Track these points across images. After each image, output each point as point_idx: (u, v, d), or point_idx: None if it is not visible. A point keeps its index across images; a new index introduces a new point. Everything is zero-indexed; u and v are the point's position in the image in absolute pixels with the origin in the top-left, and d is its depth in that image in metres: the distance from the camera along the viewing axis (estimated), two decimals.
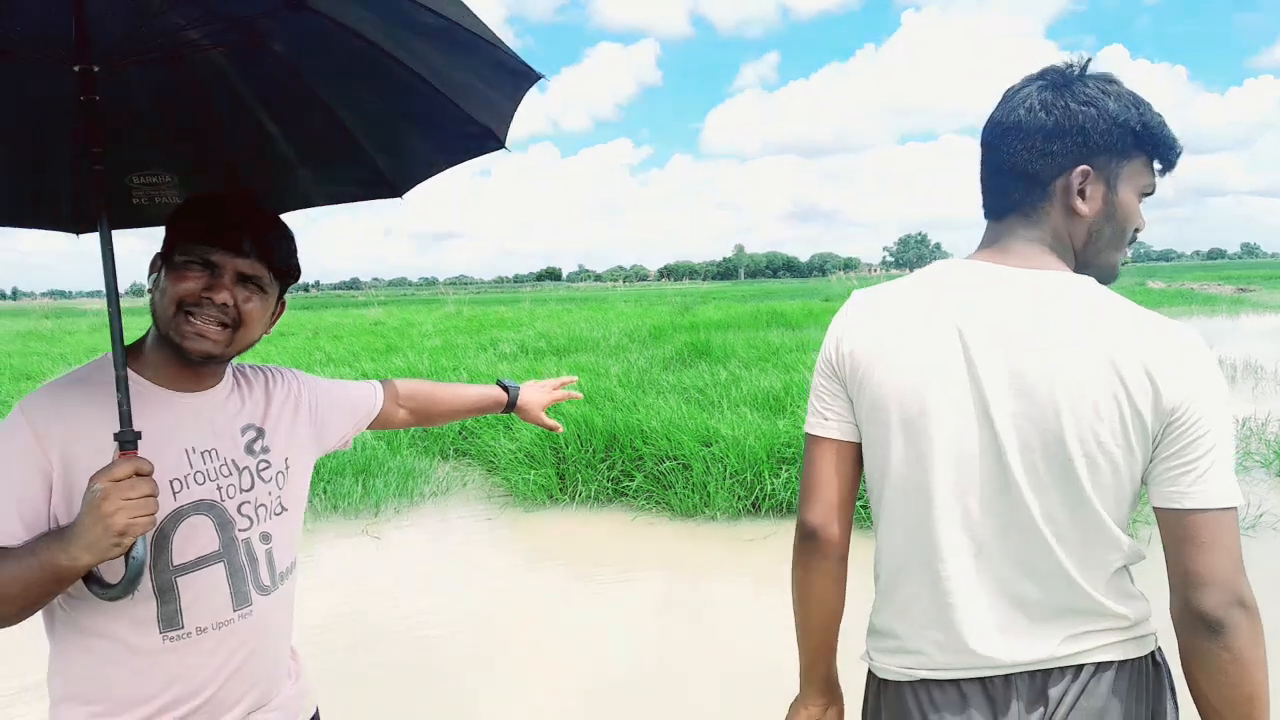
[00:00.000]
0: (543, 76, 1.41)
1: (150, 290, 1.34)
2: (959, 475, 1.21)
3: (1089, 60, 1.23)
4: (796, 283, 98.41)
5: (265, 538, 1.42)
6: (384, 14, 1.25)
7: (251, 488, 1.41)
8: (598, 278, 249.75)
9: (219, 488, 1.36)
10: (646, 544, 5.63)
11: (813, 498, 1.33)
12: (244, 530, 1.39)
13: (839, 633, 1.41)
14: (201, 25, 1.29)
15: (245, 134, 1.52)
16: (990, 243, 1.28)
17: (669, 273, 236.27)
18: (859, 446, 1.33)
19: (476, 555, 5.62)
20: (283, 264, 1.40)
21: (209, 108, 1.47)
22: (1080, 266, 1.28)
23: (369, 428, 1.79)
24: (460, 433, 7.77)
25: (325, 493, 6.38)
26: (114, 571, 1.20)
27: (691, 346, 11.97)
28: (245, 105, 1.48)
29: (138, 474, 1.14)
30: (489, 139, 1.54)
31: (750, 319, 18.28)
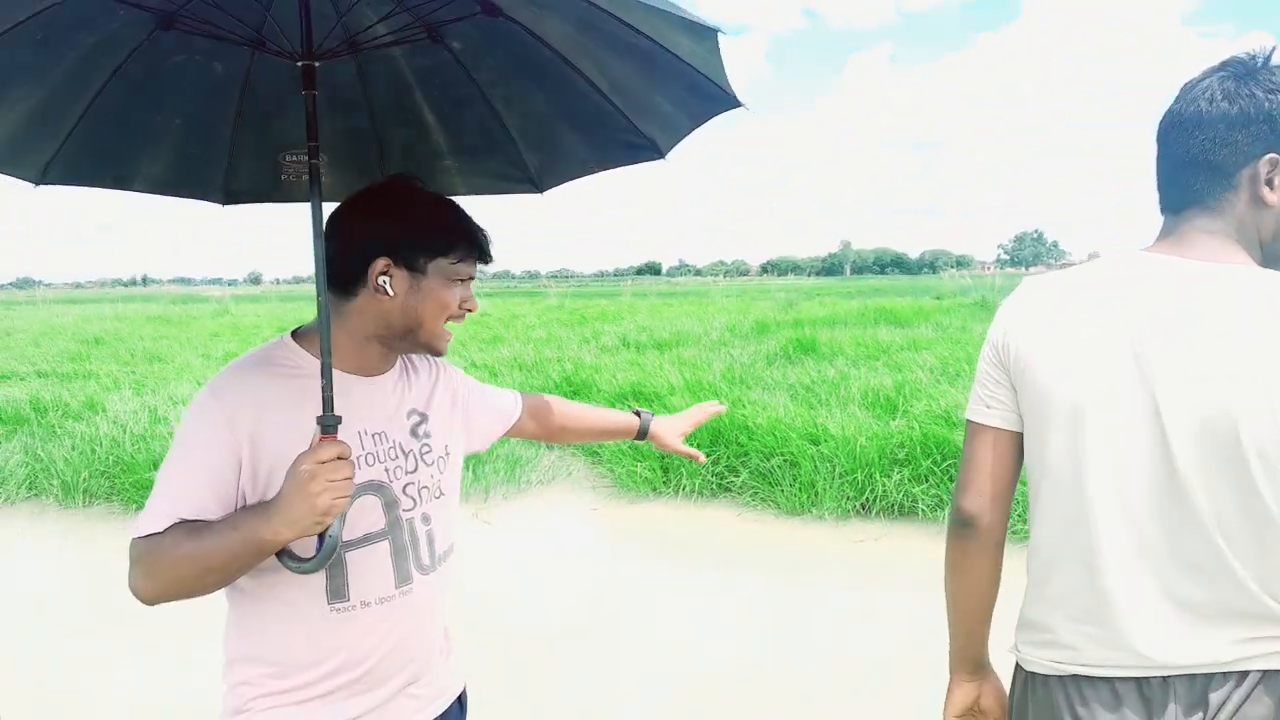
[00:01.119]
0: (743, 105, 1.42)
1: (379, 290, 1.36)
2: (1123, 471, 1.18)
3: (1274, 49, 1.19)
4: (906, 279, 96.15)
5: (426, 519, 1.47)
6: (580, 27, 1.28)
7: (415, 470, 1.46)
8: (698, 272, 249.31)
9: (386, 469, 1.42)
10: (752, 540, 5.56)
11: (971, 485, 1.32)
12: (408, 511, 1.44)
13: (991, 618, 1.41)
14: (390, 21, 1.34)
15: (402, 121, 1.56)
16: (1168, 235, 1.25)
17: (772, 268, 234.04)
18: (1020, 436, 1.31)
19: (581, 545, 5.67)
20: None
21: (370, 93, 1.52)
22: (1268, 260, 1.23)
23: (508, 435, 1.84)
24: None
25: None
26: (303, 546, 1.27)
27: (796, 343, 11.79)
28: (408, 95, 1.53)
29: (339, 457, 1.20)
30: (650, 150, 1.57)
31: (858, 316, 17.90)
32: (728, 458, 6.40)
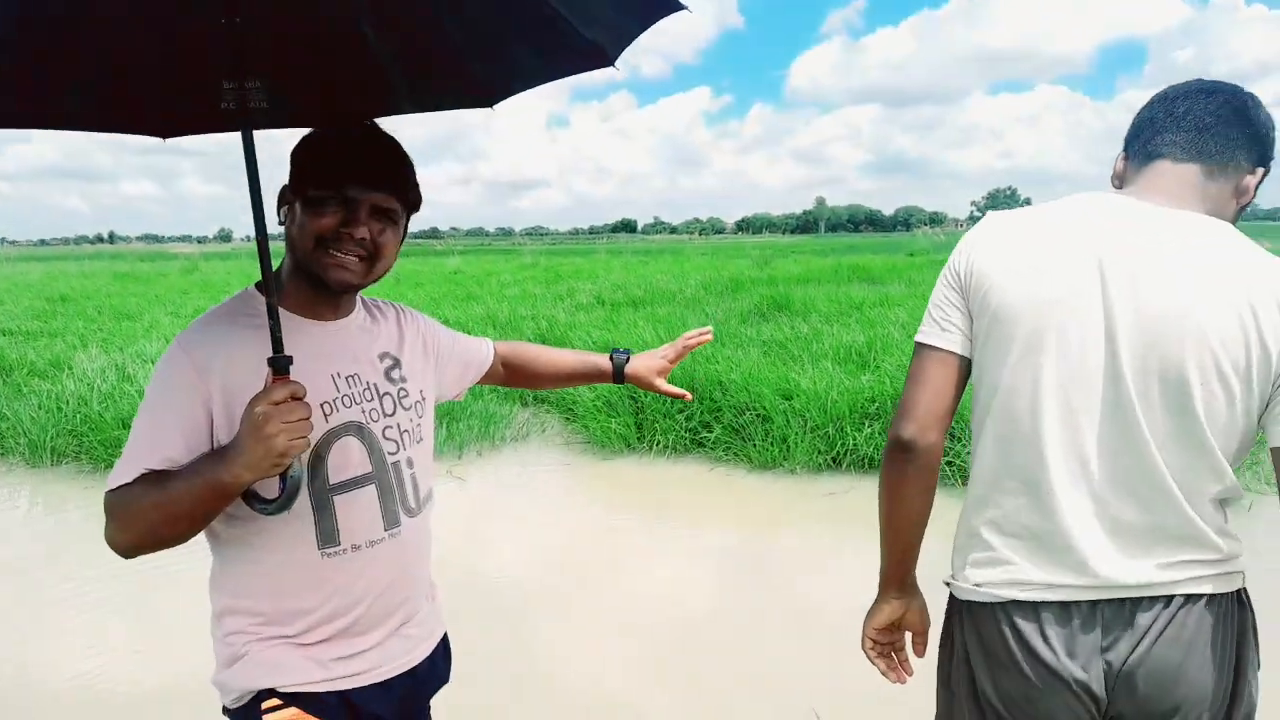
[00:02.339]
0: (685, 8, 1.38)
1: (283, 224, 1.40)
2: (1073, 391, 1.23)
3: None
4: (880, 237, 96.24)
5: (410, 463, 1.49)
6: None
7: (394, 413, 1.48)
8: (673, 230, 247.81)
9: (364, 411, 1.43)
10: (724, 494, 5.63)
11: (917, 405, 1.33)
12: (392, 454, 1.45)
13: (923, 538, 1.43)
14: None
15: (337, 38, 1.47)
16: (1151, 183, 1.31)
17: (746, 225, 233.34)
18: (968, 362, 1.34)
19: (555, 500, 5.70)
20: (413, 195, 1.45)
21: (303, 10, 1.42)
22: None
23: (483, 383, 1.84)
24: None
25: None
26: (269, 488, 1.27)
27: (771, 300, 11.82)
28: (345, 10, 1.43)
29: (293, 397, 1.19)
30: (597, 56, 1.51)
31: (831, 273, 17.95)
32: (701, 413, 6.43)
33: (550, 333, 8.99)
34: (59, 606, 4.03)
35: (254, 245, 1.29)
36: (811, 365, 7.21)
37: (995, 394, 1.29)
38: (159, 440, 1.27)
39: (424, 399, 1.57)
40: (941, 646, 1.44)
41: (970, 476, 1.37)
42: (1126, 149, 1.39)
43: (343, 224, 1.35)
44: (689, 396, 2.02)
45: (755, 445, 6.02)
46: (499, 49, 1.56)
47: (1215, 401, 1.18)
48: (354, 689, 1.42)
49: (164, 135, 1.53)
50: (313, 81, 1.51)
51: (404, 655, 1.50)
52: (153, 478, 1.25)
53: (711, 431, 6.28)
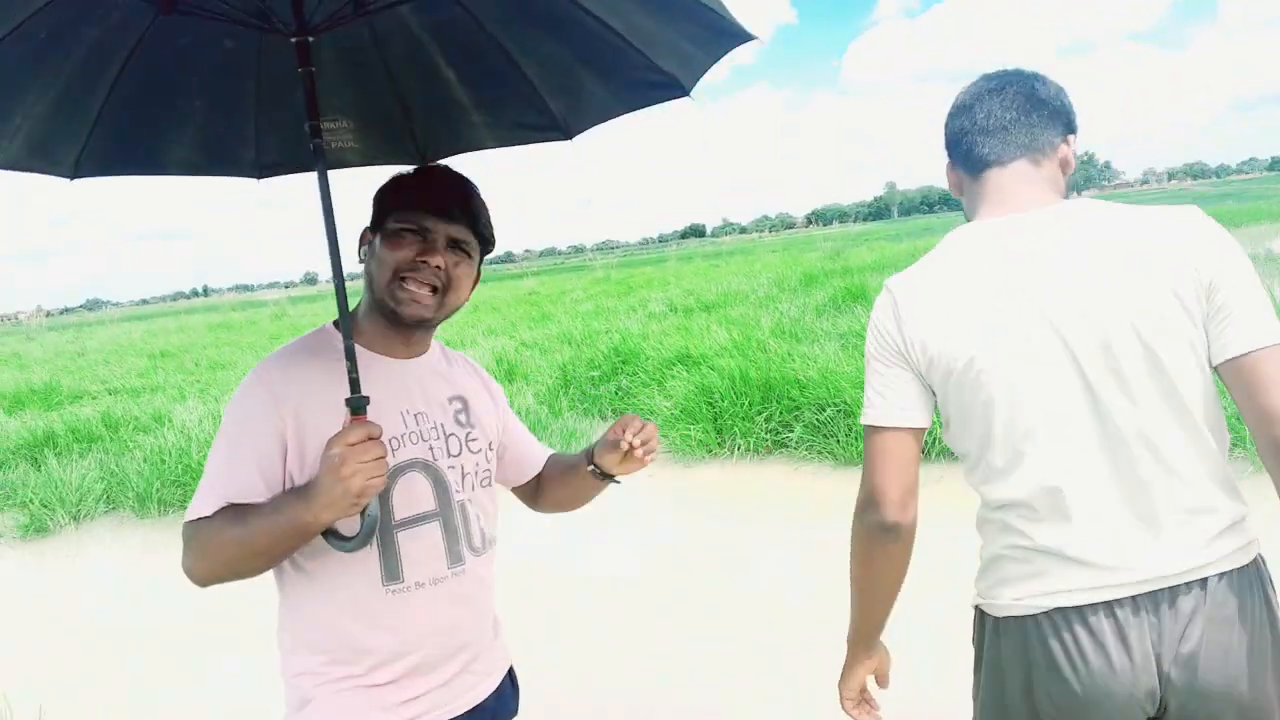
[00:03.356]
0: (755, 38, 1.41)
1: (363, 262, 1.43)
2: (1060, 412, 1.24)
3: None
4: (955, 215, 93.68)
5: (474, 503, 1.49)
6: None
7: (460, 454, 1.48)
8: (743, 230, 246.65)
9: (431, 448, 1.44)
10: (810, 493, 5.51)
11: (890, 488, 1.32)
12: (458, 493, 1.46)
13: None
14: None
15: (421, 79, 1.58)
16: (994, 194, 1.36)
17: (817, 218, 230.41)
18: (924, 429, 1.35)
19: (638, 510, 5.67)
20: (486, 230, 1.48)
21: (386, 54, 1.54)
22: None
23: (514, 490, 1.77)
24: (616, 393, 7.85)
25: None
26: (348, 525, 1.29)
27: (845, 291, 11.60)
28: (423, 51, 1.54)
29: (370, 438, 1.20)
30: (673, 88, 1.56)
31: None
32: (780, 414, 6.33)
33: (624, 345, 8.99)
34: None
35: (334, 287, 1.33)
36: None
37: (989, 439, 1.29)
38: (237, 473, 1.29)
39: (491, 449, 1.56)
40: (977, 670, 1.40)
41: (982, 504, 1.36)
42: (951, 158, 1.43)
43: (419, 254, 1.37)
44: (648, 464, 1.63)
45: (839, 442, 5.89)
46: (576, 85, 1.62)
47: (1179, 354, 1.20)
48: None
49: (258, 176, 1.61)
50: (396, 121, 1.59)
51: (469, 692, 1.49)
52: (232, 511, 1.27)
53: (793, 431, 6.17)
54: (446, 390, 1.52)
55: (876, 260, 17.78)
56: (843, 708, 1.55)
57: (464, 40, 1.51)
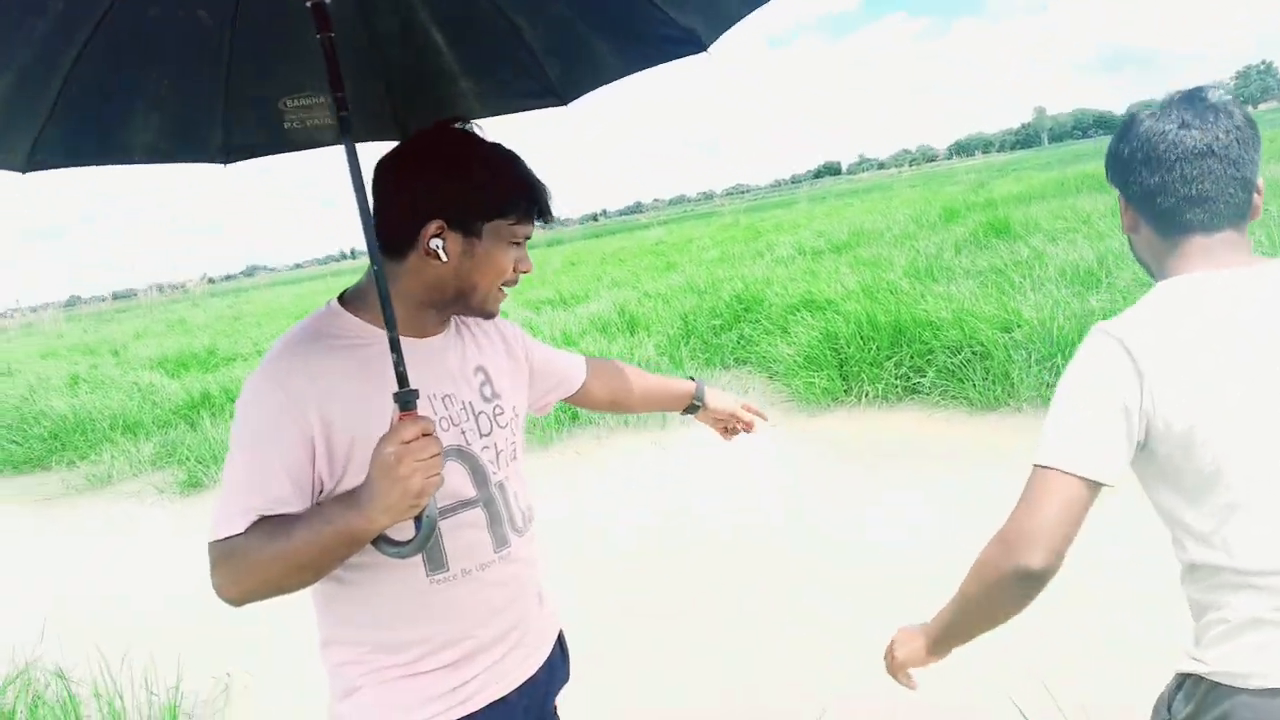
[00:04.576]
0: None
1: (430, 254, 1.27)
2: None
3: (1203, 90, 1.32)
4: (1111, 139, 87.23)
5: (510, 480, 1.42)
6: None
7: (490, 432, 1.40)
8: (880, 165, 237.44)
9: (463, 433, 1.36)
10: (942, 439, 5.23)
11: (1053, 534, 1.20)
12: (494, 474, 1.39)
13: None
14: None
15: (408, 46, 1.43)
16: (1201, 256, 1.28)
17: (960, 149, 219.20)
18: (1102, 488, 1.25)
19: (761, 460, 5.53)
20: None
21: (372, 20, 1.40)
22: None
23: (567, 400, 1.75)
24: (738, 341, 7.67)
25: None
26: (400, 529, 1.20)
27: (987, 226, 10.96)
28: (412, 17, 1.40)
29: (425, 434, 1.12)
30: (687, 43, 1.40)
31: (1055, 187, 16.38)
32: (911, 358, 6.02)
33: (747, 292, 8.76)
34: None
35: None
36: (1034, 291, 6.55)
37: (1235, 505, 1.19)
38: (265, 482, 1.19)
39: (517, 415, 1.49)
40: None
41: (1215, 566, 1.22)
42: (1135, 205, 1.34)
43: (519, 263, 1.33)
44: (765, 417, 2.02)
45: (974, 385, 5.54)
46: (577, 44, 1.48)
47: None
48: (473, 712, 1.35)
49: (225, 161, 1.50)
50: (376, 94, 1.44)
51: (520, 667, 1.43)
52: (267, 525, 1.18)
53: (924, 376, 5.85)
54: (469, 362, 1.43)
55: (1023, 191, 16.68)
56: (889, 670, 1.58)
57: (459, 3, 1.38)
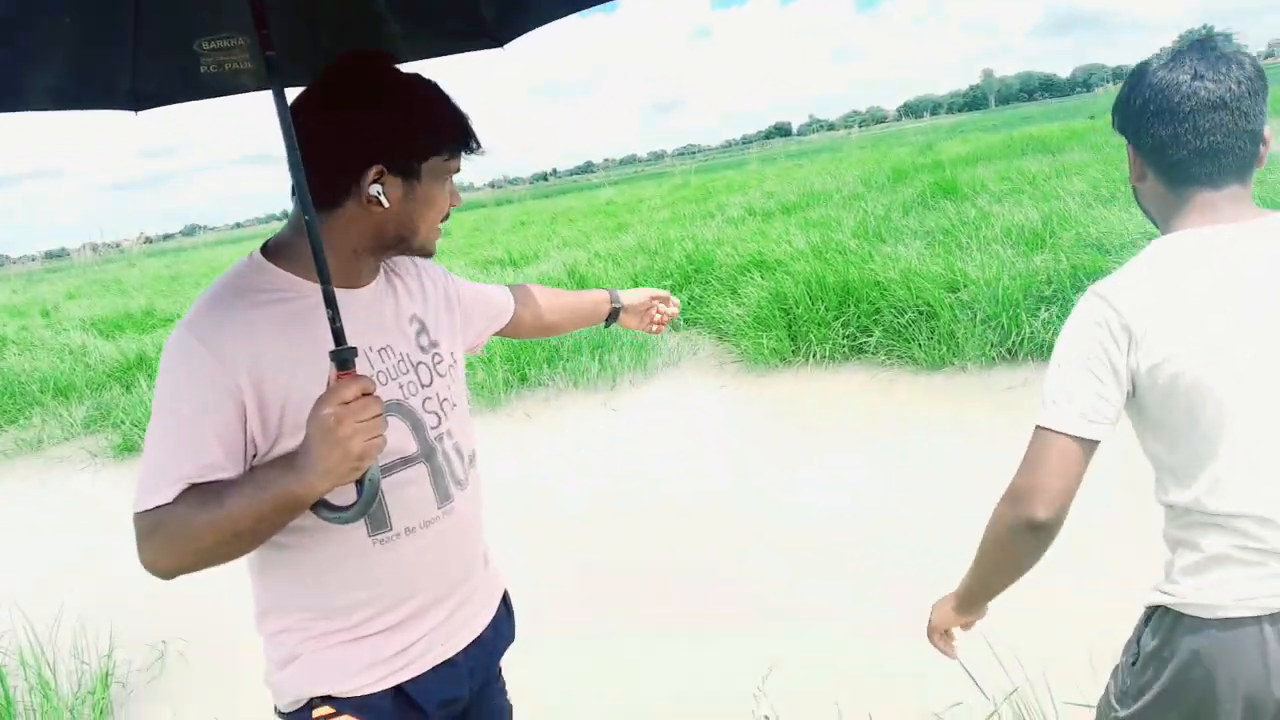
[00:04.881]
0: None
1: (374, 201, 1.20)
2: None
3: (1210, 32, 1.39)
4: (1057, 103, 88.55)
5: (451, 434, 1.37)
6: None
7: (430, 383, 1.35)
8: (830, 127, 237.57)
9: (401, 386, 1.30)
10: (889, 399, 5.29)
11: (1051, 488, 1.28)
12: (435, 428, 1.33)
13: None
14: None
15: None
16: (1206, 210, 1.28)
17: (909, 111, 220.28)
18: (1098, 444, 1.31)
19: (711, 421, 5.55)
20: None
21: None
22: None
23: (499, 333, 1.71)
24: (689, 302, 7.64)
25: (565, 370, 6.54)
26: (340, 492, 1.14)
27: (935, 186, 11.01)
28: None
29: (364, 393, 1.07)
30: None
31: (1002, 149, 16.52)
32: (858, 318, 6.05)
33: (697, 253, 8.72)
34: None
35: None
36: (980, 251, 6.61)
37: (1215, 453, 1.24)
38: (195, 448, 1.12)
39: (455, 361, 1.43)
40: (1144, 666, 1.36)
41: (1187, 507, 1.29)
42: (1143, 154, 1.33)
43: (452, 195, 1.29)
44: (659, 331, 1.98)
45: (920, 345, 5.59)
46: None
47: None
48: (419, 675, 1.31)
49: (137, 108, 1.39)
50: (299, 36, 1.33)
51: (466, 626, 1.40)
52: (197, 493, 1.11)
53: (871, 336, 5.88)
54: (404, 311, 1.36)
55: (970, 152, 16.80)
56: (928, 636, 1.63)
57: None
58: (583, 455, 5.29)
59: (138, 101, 1.37)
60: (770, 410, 5.62)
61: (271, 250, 1.25)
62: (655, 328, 1.93)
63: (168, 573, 1.16)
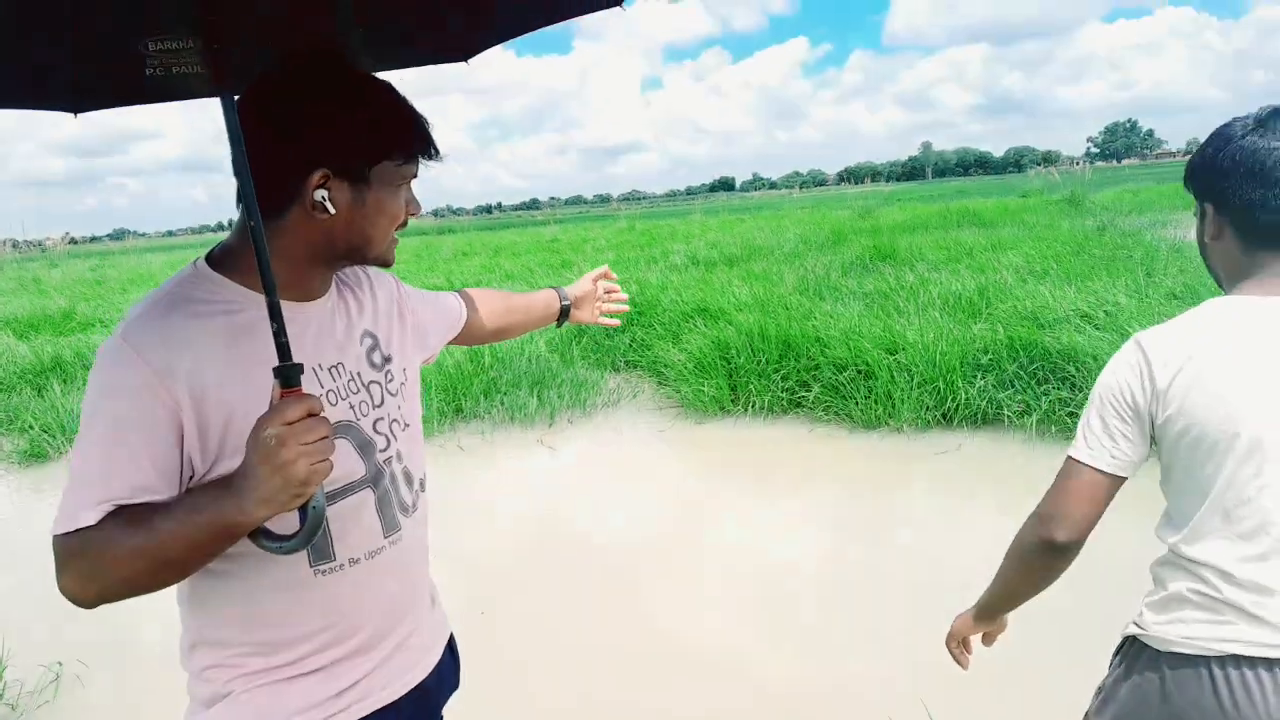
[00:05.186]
0: None
1: (319, 208, 1.12)
2: None
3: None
4: (990, 180, 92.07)
5: (400, 457, 1.29)
6: None
7: (382, 404, 1.27)
8: (773, 185, 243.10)
9: (351, 406, 1.23)
10: (824, 456, 5.33)
11: (1069, 519, 1.38)
12: (383, 450, 1.26)
13: None
14: None
15: None
16: (1274, 277, 1.33)
17: (849, 176, 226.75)
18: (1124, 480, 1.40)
19: (648, 466, 5.51)
20: None
21: None
22: None
23: (453, 342, 1.64)
24: (630, 344, 7.65)
25: (503, 404, 6.45)
26: (282, 520, 1.05)
27: (874, 250, 11.30)
28: None
29: (311, 414, 0.98)
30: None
31: (939, 219, 17.09)
32: (798, 372, 6.12)
33: (641, 295, 8.75)
34: None
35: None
36: (918, 316, 6.77)
37: (1217, 511, 1.30)
38: (124, 467, 1.03)
39: (408, 378, 1.36)
40: (1115, 685, 1.45)
41: (1170, 548, 1.38)
42: (1223, 213, 1.36)
43: (410, 203, 1.21)
44: (617, 323, 2.00)
45: (857, 403, 5.67)
46: None
47: None
48: None
49: (75, 110, 1.30)
50: (252, 43, 1.23)
51: (409, 671, 1.31)
52: (124, 516, 1.02)
53: (810, 391, 5.95)
54: (355, 327, 1.28)
55: (908, 220, 17.34)
56: (946, 643, 1.71)
57: None
58: (516, 491, 5.21)
59: (76, 103, 1.29)
60: (707, 458, 5.62)
61: (217, 259, 1.17)
62: (608, 320, 1.94)
63: (90, 601, 1.05)
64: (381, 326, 1.33)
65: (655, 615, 3.48)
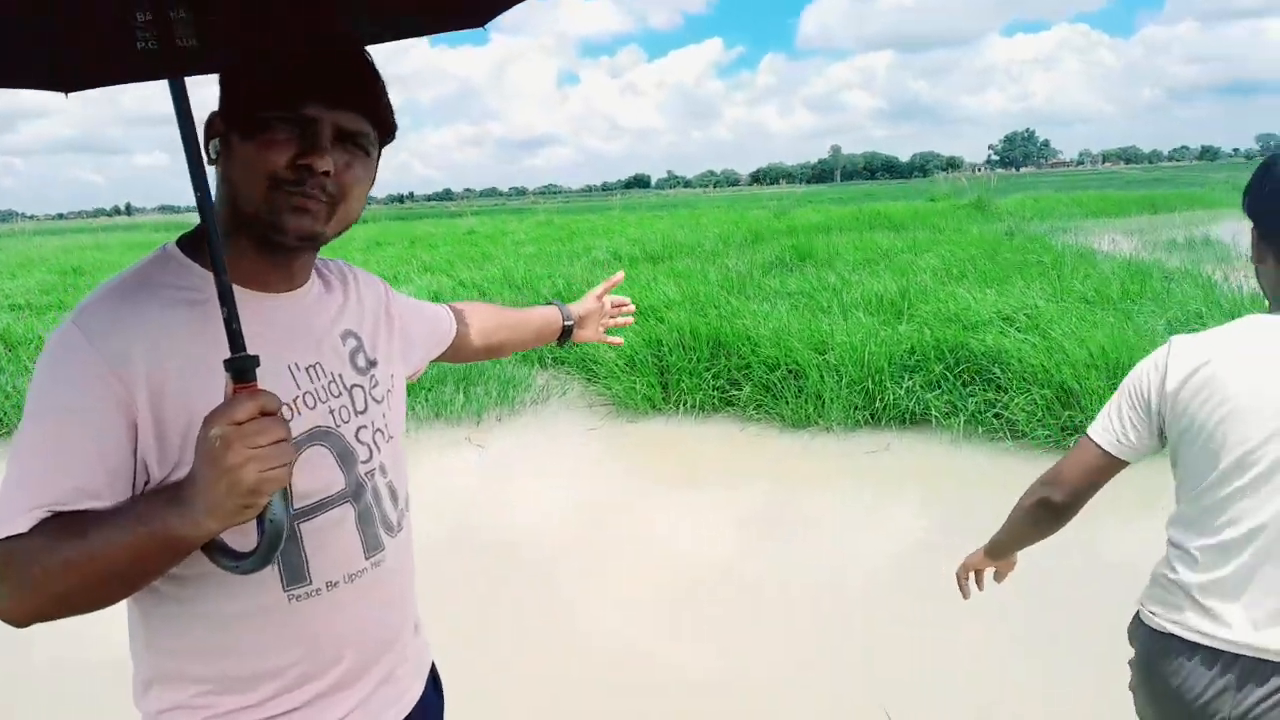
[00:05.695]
0: None
1: (213, 162, 1.02)
2: None
3: None
4: (897, 184, 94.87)
5: (384, 470, 1.17)
6: None
7: (365, 410, 1.15)
8: (687, 184, 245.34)
9: (331, 411, 1.10)
10: (755, 454, 5.36)
11: (1076, 490, 1.55)
12: (366, 462, 1.13)
13: None
14: None
15: None
16: None
17: (761, 177, 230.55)
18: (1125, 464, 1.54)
19: (577, 464, 5.45)
20: (386, 116, 1.08)
21: None
22: None
23: (440, 359, 1.53)
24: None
25: (428, 400, 6.29)
26: (243, 534, 0.94)
27: (793, 250, 11.50)
28: None
29: (265, 412, 0.86)
30: None
31: (852, 221, 17.51)
32: (729, 371, 6.15)
33: (568, 290, 8.69)
34: None
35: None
36: (843, 317, 6.89)
37: (1214, 509, 1.39)
38: (65, 469, 0.92)
39: (394, 386, 1.24)
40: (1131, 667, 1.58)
41: (1174, 535, 1.48)
42: (1268, 236, 1.41)
43: (300, 155, 0.99)
44: (620, 341, 1.97)
45: (788, 403, 5.73)
46: None
47: None
48: None
49: (66, 89, 1.19)
50: (253, 13, 1.12)
51: (395, 704, 1.20)
52: (61, 524, 0.91)
53: (741, 390, 5.99)
54: (337, 325, 1.17)
55: (822, 221, 17.71)
56: (956, 574, 1.85)
57: None
58: (443, 490, 5.08)
59: (66, 81, 1.17)
60: (639, 456, 5.59)
61: (188, 242, 1.06)
62: (613, 339, 1.87)
63: (20, 620, 0.93)
64: (367, 328, 1.22)
65: (578, 616, 3.43)
